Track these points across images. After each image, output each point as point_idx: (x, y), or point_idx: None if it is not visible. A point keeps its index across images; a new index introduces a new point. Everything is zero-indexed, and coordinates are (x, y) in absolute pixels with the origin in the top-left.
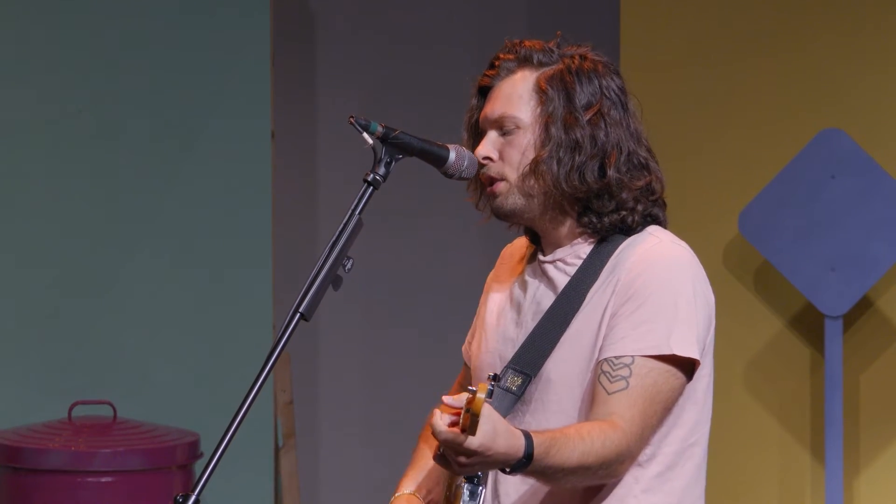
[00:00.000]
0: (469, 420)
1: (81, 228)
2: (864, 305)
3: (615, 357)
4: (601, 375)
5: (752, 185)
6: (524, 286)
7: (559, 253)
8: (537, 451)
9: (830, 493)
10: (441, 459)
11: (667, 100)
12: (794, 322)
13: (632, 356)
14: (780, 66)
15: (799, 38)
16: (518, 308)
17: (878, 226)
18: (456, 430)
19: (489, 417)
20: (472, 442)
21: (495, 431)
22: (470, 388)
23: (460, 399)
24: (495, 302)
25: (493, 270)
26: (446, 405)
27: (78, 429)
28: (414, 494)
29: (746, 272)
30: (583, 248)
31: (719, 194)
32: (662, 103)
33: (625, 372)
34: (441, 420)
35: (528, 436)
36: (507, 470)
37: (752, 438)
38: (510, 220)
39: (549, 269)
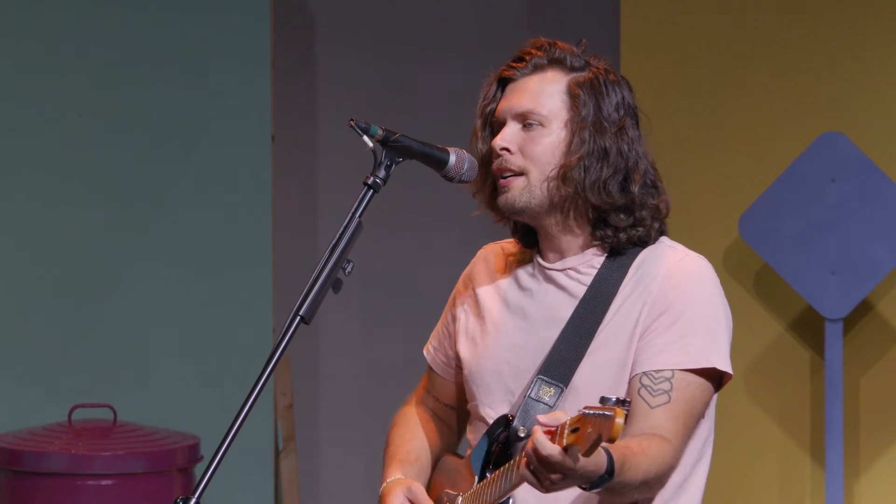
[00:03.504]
0: (592, 444)
1: (81, 230)
2: (864, 309)
3: (655, 371)
4: (641, 389)
5: (752, 189)
6: (526, 292)
7: (570, 262)
8: (616, 466)
9: (830, 496)
10: (531, 475)
11: (666, 102)
12: (794, 325)
13: (671, 370)
14: (780, 69)
15: (799, 41)
16: (522, 314)
17: (878, 229)
18: (556, 446)
19: None
20: (573, 462)
21: None
22: (585, 410)
23: (556, 418)
24: (486, 307)
25: (468, 273)
26: (542, 424)
27: (78, 432)
28: (405, 479)
29: (747, 275)
30: (596, 259)
31: (719, 198)
32: (662, 106)
33: (665, 386)
34: (546, 439)
35: (608, 452)
36: (586, 486)
37: (752, 441)
38: (518, 217)
39: (559, 276)
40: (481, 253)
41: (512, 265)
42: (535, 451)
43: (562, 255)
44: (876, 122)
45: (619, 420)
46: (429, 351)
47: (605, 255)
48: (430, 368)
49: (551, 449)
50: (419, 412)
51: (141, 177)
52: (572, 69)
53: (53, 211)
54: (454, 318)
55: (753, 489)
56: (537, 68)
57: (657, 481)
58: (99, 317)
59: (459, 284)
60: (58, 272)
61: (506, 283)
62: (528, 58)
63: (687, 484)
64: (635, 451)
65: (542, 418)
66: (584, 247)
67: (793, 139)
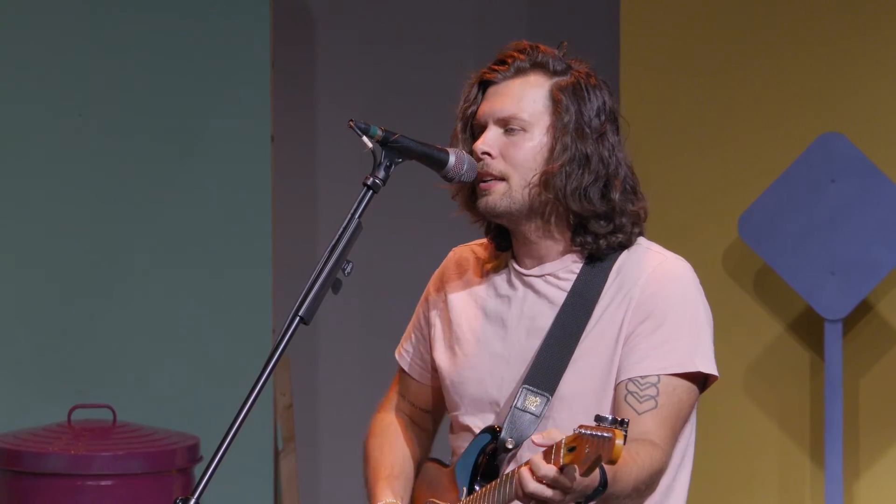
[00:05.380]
0: (591, 464)
1: (81, 231)
2: (863, 309)
3: (640, 377)
4: (628, 395)
5: (752, 189)
6: (504, 299)
7: (549, 267)
8: (609, 478)
9: (830, 496)
10: (528, 496)
11: (666, 103)
12: (793, 326)
13: (657, 375)
14: (779, 70)
15: (799, 42)
16: (501, 322)
17: (877, 229)
18: (554, 467)
19: None
20: (570, 481)
21: None
22: (581, 429)
23: (551, 437)
24: (461, 313)
25: (440, 276)
26: (537, 444)
27: (77, 432)
28: (396, 502)
29: (746, 276)
30: (574, 264)
31: (719, 198)
32: (662, 106)
33: (652, 391)
34: (542, 462)
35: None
36: (581, 501)
37: (751, 442)
38: (498, 221)
39: (538, 283)
40: (452, 256)
41: (487, 270)
42: (540, 476)
43: (540, 260)
44: (876, 122)
45: (619, 442)
46: (402, 355)
47: (584, 260)
48: (404, 372)
49: (546, 470)
50: (396, 419)
51: (141, 177)
52: (555, 73)
53: (53, 211)
54: (428, 323)
55: (753, 489)
56: (519, 72)
57: (648, 487)
58: (99, 317)
59: (430, 287)
60: (57, 272)
61: (482, 289)
62: (510, 60)
63: (674, 484)
64: (626, 459)
65: (536, 438)
66: (564, 252)
67: (793, 139)
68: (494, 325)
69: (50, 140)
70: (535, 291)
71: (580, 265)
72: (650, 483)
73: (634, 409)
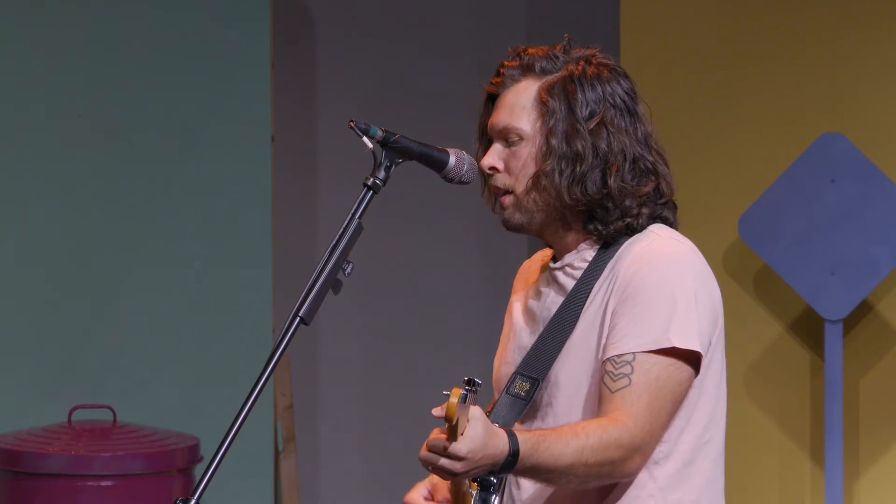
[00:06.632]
0: (448, 427)
1: (81, 231)
2: (864, 309)
3: (617, 356)
4: (605, 375)
5: (752, 189)
6: (538, 296)
7: (567, 259)
8: (523, 448)
9: (830, 496)
10: (435, 469)
11: (666, 103)
12: (794, 326)
13: (633, 353)
14: (780, 70)
15: (799, 42)
16: (532, 318)
17: (878, 229)
18: (443, 436)
19: (478, 420)
20: (460, 448)
21: (485, 433)
22: (444, 392)
23: (444, 408)
24: (515, 316)
25: (513, 286)
26: (436, 416)
27: (78, 433)
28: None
29: (746, 276)
30: (588, 252)
31: (719, 198)
32: (662, 107)
33: (626, 370)
34: (436, 432)
35: (511, 434)
36: (496, 471)
37: (752, 442)
38: (520, 233)
39: (559, 275)
40: (525, 264)
41: (538, 272)
42: (427, 443)
43: (565, 252)
44: (876, 122)
45: (453, 399)
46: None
47: (597, 248)
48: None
49: (432, 437)
50: None
51: (141, 177)
52: (543, 73)
53: (53, 211)
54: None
55: (753, 490)
56: (513, 80)
57: (606, 463)
58: (99, 317)
59: (508, 302)
60: (58, 273)
61: (530, 289)
62: (502, 70)
63: (688, 472)
64: (563, 431)
65: (434, 411)
66: (579, 241)
67: (793, 139)
68: (528, 320)
69: (50, 140)
70: (556, 283)
71: (593, 253)
72: (608, 461)
73: (609, 388)
